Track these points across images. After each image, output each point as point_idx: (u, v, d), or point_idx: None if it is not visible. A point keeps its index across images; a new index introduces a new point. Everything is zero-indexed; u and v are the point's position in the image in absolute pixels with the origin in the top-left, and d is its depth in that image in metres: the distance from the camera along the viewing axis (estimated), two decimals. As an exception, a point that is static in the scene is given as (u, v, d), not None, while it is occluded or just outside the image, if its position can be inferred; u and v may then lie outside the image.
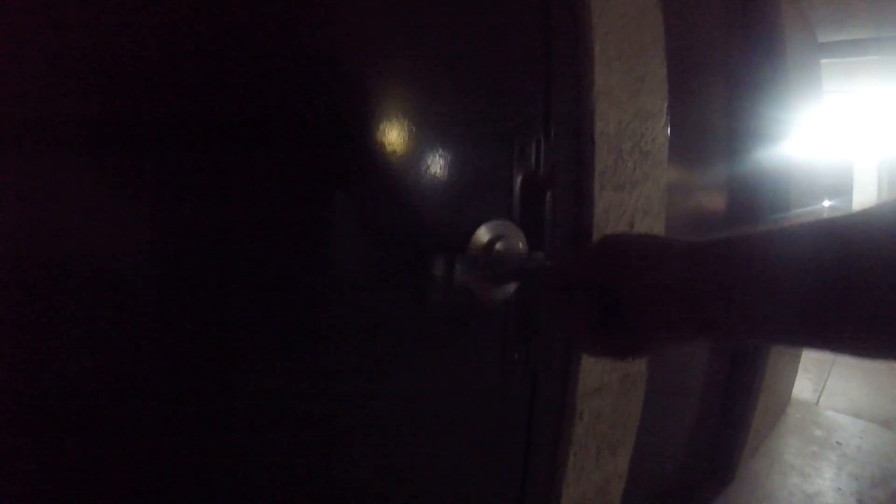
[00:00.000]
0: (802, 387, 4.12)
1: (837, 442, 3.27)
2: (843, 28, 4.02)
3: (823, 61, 4.19)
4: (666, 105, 1.24)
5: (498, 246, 0.93)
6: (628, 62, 1.14)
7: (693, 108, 1.88)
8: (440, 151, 0.90)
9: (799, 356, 3.81)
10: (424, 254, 0.87)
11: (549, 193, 1.01)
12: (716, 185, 2.08)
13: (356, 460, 0.89)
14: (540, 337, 1.09)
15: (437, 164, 0.90)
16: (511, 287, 0.98)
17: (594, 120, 1.03)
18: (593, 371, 1.13)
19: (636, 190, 1.13)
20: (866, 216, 0.39)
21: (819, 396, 4.01)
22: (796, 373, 3.88)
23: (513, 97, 1.02)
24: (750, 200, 2.21)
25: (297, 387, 0.75)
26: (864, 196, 9.32)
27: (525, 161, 1.02)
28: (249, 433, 0.70)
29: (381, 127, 0.82)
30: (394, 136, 0.84)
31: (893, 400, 4.01)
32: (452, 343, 0.97)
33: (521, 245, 0.98)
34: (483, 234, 0.92)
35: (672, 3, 1.74)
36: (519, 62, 1.04)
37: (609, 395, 1.21)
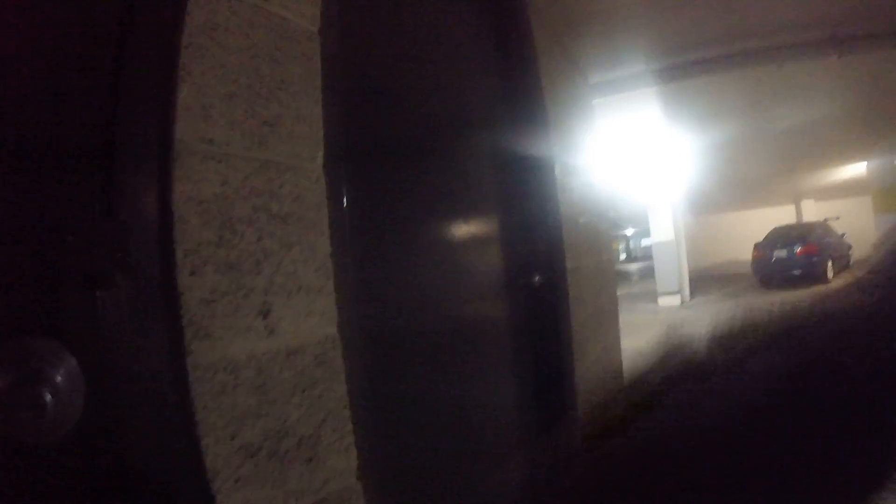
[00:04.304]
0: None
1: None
2: (614, 66, 4.26)
3: (599, 100, 4.41)
4: (321, 152, 1.01)
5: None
6: (247, 103, 0.90)
7: (440, 161, 1.73)
8: None
9: (619, 372, 3.80)
10: None
11: (98, 293, 0.71)
12: (481, 237, 1.95)
13: None
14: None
15: None
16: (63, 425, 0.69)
17: (173, 186, 0.76)
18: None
19: (268, 264, 0.87)
20: None
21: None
22: (619, 391, 3.86)
23: (59, 167, 0.73)
24: (521, 245, 2.10)
25: None
26: (660, 221, 10.27)
27: (75, 254, 0.72)
28: None
29: None
30: None
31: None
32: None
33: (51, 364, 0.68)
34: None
35: (397, 40, 1.59)
36: (77, 122, 0.76)
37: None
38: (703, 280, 13.55)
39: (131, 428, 0.78)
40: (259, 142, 0.90)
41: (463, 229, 1.79)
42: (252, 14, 0.97)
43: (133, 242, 0.76)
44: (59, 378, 0.70)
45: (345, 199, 1.04)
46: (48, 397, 0.69)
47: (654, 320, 8.41)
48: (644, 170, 8.37)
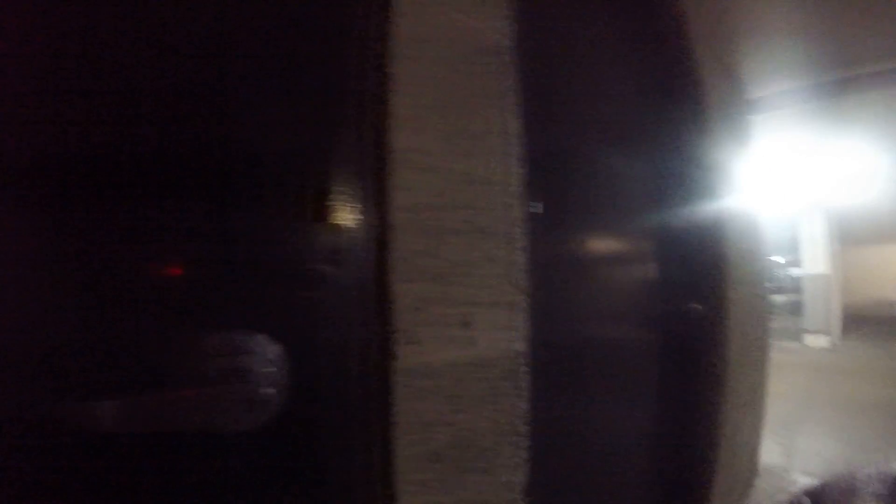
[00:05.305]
0: (770, 450, 3.77)
1: (814, 512, 2.92)
2: (774, 80, 3.96)
3: (756, 117, 4.11)
4: (520, 167, 1.01)
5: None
6: (453, 115, 0.92)
7: (611, 176, 1.69)
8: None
9: (762, 416, 3.50)
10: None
11: (312, 293, 0.76)
12: (641, 256, 1.88)
13: None
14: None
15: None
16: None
17: (390, 191, 0.79)
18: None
19: (472, 276, 0.88)
20: None
21: (790, 461, 3.67)
22: (761, 438, 3.55)
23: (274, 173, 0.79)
24: (682, 268, 1.99)
25: None
26: (813, 249, 9.31)
27: (292, 254, 0.78)
28: None
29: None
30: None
31: (870, 450, 3.69)
32: None
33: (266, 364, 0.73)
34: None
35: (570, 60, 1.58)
36: (303, 121, 0.82)
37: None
38: (857, 320, 12.18)
39: (328, 421, 0.81)
40: (464, 154, 0.91)
41: (631, 247, 1.74)
42: (451, 27, 0.99)
43: (349, 247, 0.80)
44: (265, 371, 0.75)
45: (538, 215, 1.04)
46: (256, 390, 0.73)
47: (798, 362, 7.67)
48: (800, 193, 7.70)
